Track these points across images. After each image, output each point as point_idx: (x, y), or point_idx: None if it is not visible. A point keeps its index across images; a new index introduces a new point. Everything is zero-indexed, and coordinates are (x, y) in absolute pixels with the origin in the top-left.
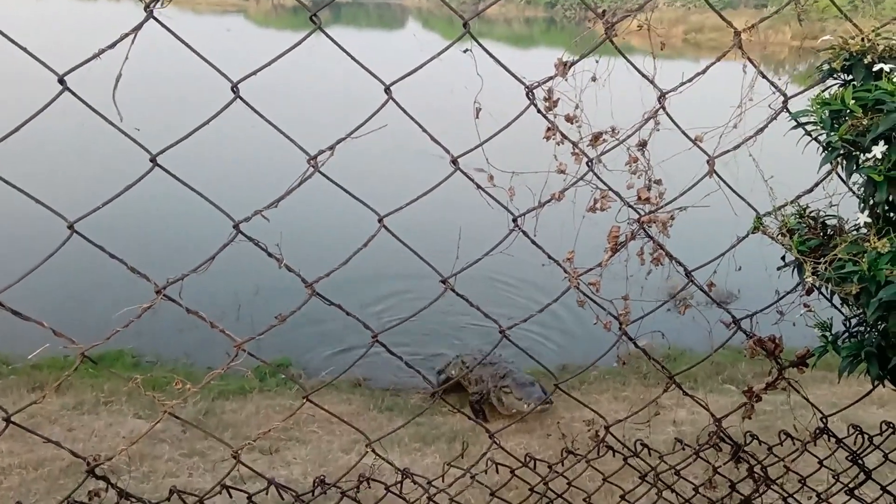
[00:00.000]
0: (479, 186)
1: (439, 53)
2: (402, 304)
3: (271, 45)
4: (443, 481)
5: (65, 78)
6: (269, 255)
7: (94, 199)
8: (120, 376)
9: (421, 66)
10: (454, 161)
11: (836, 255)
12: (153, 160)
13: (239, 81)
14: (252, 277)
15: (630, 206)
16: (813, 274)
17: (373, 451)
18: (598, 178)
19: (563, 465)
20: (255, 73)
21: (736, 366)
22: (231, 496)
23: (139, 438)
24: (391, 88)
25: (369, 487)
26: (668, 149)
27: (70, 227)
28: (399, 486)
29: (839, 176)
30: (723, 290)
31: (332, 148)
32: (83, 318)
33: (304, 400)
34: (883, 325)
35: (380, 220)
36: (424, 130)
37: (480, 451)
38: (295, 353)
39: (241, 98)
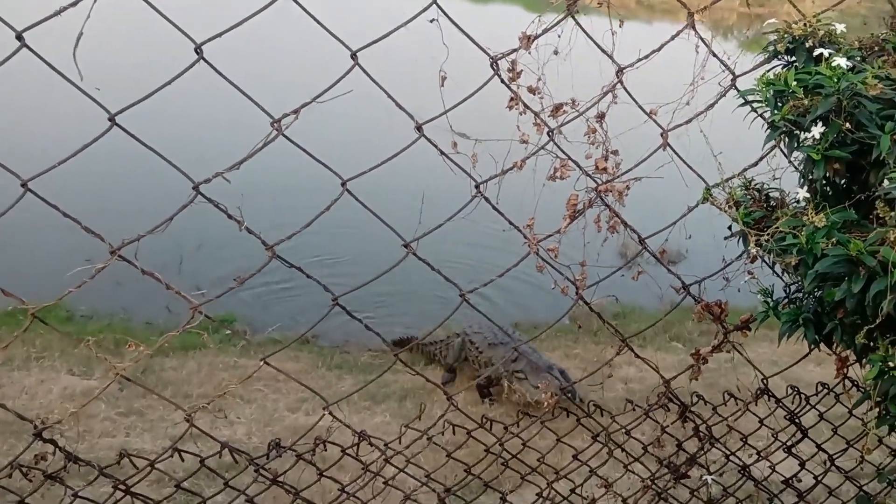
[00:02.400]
0: (442, 153)
1: (406, 23)
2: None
3: (240, 4)
4: (399, 443)
5: (23, 34)
6: (230, 216)
7: (51, 159)
8: (57, 331)
9: (387, 35)
10: (418, 127)
11: (777, 228)
12: (111, 119)
13: (203, 43)
14: (195, 232)
15: (588, 176)
16: (756, 245)
17: (331, 414)
18: (559, 147)
19: (518, 426)
20: (219, 35)
21: (683, 324)
22: (183, 459)
23: (88, 403)
24: (357, 55)
25: (325, 450)
26: (625, 122)
27: (24, 185)
28: (356, 448)
29: (783, 152)
30: (673, 252)
31: (296, 112)
32: (36, 277)
33: (262, 362)
34: (819, 294)
35: (343, 184)
36: (389, 96)
37: (436, 412)
38: (239, 309)
39: (205, 59)
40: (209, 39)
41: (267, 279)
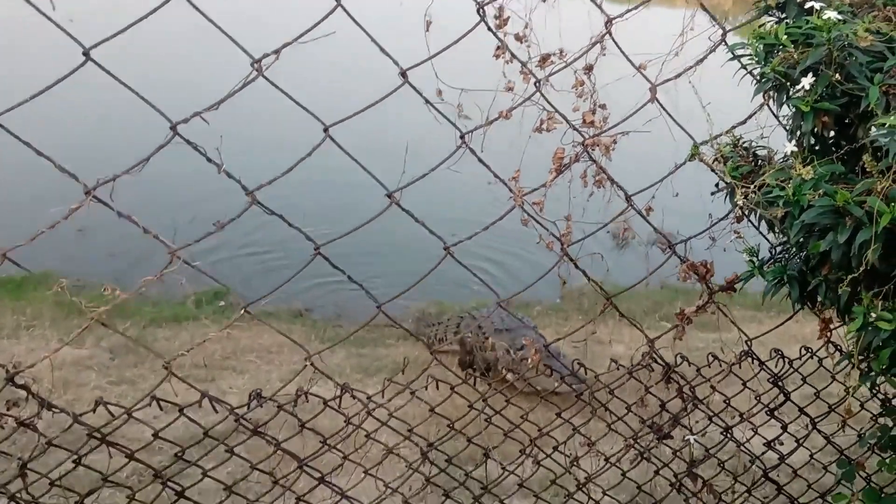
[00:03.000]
0: (427, 101)
1: None
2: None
3: None
4: (382, 396)
5: None
6: (209, 160)
7: (23, 95)
8: (43, 295)
9: None
10: (403, 73)
11: (764, 180)
12: (86, 54)
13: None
14: (189, 207)
15: (575, 129)
16: (744, 197)
17: (312, 364)
18: (545, 98)
19: (502, 382)
20: None
21: (673, 304)
22: (161, 408)
23: (62, 346)
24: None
25: (307, 402)
26: (613, 76)
27: None
28: (338, 400)
29: (770, 109)
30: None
31: (277, 52)
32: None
33: (243, 311)
34: (804, 249)
35: (325, 130)
36: (373, 40)
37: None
38: (233, 282)
39: None
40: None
41: (260, 252)
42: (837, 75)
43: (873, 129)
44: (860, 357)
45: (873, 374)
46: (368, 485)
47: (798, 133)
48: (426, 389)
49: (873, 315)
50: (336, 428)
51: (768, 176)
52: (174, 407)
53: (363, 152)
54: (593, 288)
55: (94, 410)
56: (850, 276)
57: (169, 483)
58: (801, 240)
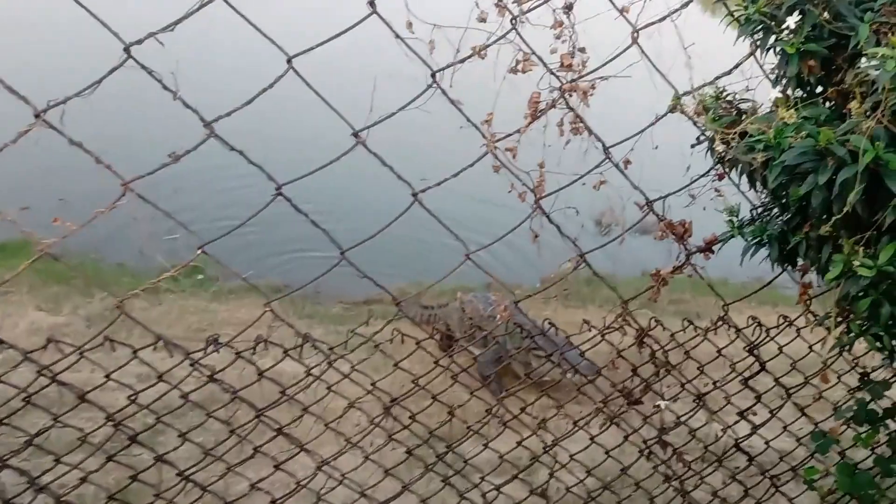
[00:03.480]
0: (397, 36)
1: None
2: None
3: None
4: (345, 348)
5: None
6: (164, 87)
7: None
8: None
9: None
10: (371, 2)
11: (745, 128)
12: None
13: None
14: (171, 178)
15: (552, 73)
16: (723, 144)
17: (271, 311)
18: (521, 38)
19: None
20: None
21: (667, 237)
22: (114, 349)
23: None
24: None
25: (266, 350)
26: (595, 19)
27: None
28: (299, 350)
29: (756, 60)
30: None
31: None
32: None
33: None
34: (785, 198)
35: (288, 61)
36: None
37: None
38: (211, 255)
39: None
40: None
41: (239, 227)
42: (825, 14)
43: (863, 60)
44: (838, 319)
45: (852, 334)
46: (328, 438)
47: (783, 79)
48: (391, 343)
49: (855, 262)
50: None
51: (749, 123)
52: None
53: (329, 89)
54: (566, 242)
55: (44, 348)
56: (834, 218)
57: (121, 426)
58: (782, 182)
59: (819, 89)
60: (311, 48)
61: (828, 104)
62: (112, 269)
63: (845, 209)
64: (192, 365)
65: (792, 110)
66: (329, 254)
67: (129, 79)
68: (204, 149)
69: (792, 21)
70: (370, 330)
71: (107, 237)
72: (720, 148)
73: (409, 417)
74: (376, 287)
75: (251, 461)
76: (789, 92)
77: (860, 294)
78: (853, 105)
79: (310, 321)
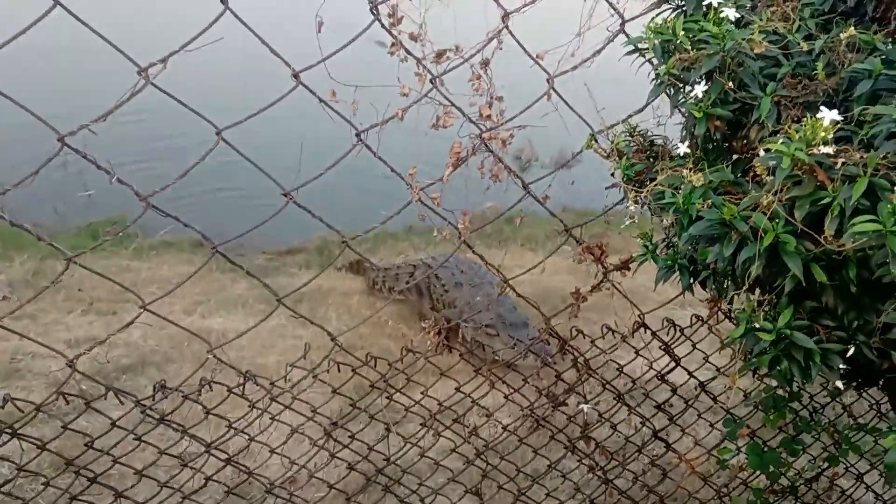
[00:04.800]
0: (321, 100)
1: None
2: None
3: None
4: (285, 381)
5: None
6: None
7: None
8: None
9: None
10: (295, 75)
11: (656, 184)
12: None
13: None
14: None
15: (472, 122)
16: (634, 202)
17: (215, 356)
18: (442, 94)
19: (402, 362)
20: None
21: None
22: (68, 402)
23: None
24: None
25: (211, 390)
26: (512, 68)
27: None
28: (241, 388)
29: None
30: (568, 157)
31: (163, 60)
32: None
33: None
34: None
35: (218, 133)
36: (263, 42)
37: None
38: (130, 211)
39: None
40: None
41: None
42: (731, 83)
43: (762, 151)
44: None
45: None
46: (275, 461)
47: (691, 135)
48: (328, 373)
49: (756, 325)
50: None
51: (661, 180)
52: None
53: (261, 155)
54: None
55: (2, 407)
56: (732, 293)
57: (81, 472)
58: (690, 248)
59: (727, 144)
60: (240, 121)
61: (734, 156)
62: (24, 236)
63: (746, 286)
64: (142, 412)
65: (699, 174)
66: (260, 202)
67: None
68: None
69: (699, 90)
70: (293, 284)
71: (17, 198)
72: (632, 208)
73: (350, 437)
74: (298, 236)
75: (204, 489)
76: (698, 144)
77: (762, 352)
78: (758, 165)
79: (233, 275)
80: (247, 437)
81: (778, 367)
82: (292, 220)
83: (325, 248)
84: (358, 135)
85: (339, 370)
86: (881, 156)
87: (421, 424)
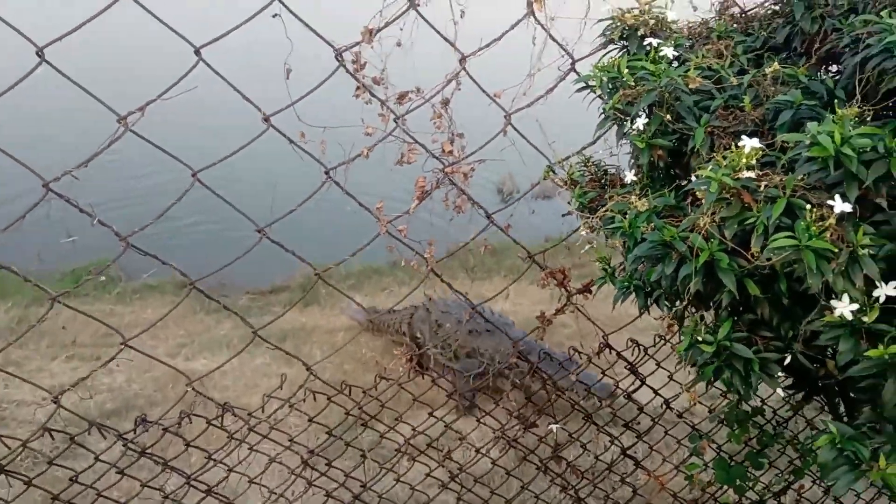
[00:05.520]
0: (291, 141)
1: (248, 19)
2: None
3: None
4: (262, 412)
5: None
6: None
7: None
8: None
9: (230, 31)
10: (266, 119)
11: (606, 210)
12: None
13: (44, 46)
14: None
15: (435, 157)
16: (587, 227)
17: (194, 389)
18: (405, 132)
19: (376, 389)
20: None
21: (556, 258)
22: (53, 438)
23: None
24: (201, 51)
25: (190, 423)
26: (470, 105)
27: None
28: (220, 419)
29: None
30: (548, 187)
31: (142, 109)
32: None
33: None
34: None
35: (193, 175)
36: (235, 89)
37: (315, 353)
38: (113, 255)
39: (48, 62)
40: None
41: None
42: (668, 116)
43: (694, 177)
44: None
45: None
46: (254, 492)
47: (637, 163)
48: (304, 402)
49: (699, 338)
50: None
51: (609, 207)
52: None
53: (235, 195)
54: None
55: None
56: (674, 308)
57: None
58: (637, 268)
59: (671, 170)
60: (214, 164)
61: (678, 183)
62: (11, 278)
63: (686, 301)
64: (124, 445)
65: (644, 200)
66: (240, 233)
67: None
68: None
69: (640, 123)
70: (277, 323)
71: (2, 246)
72: (584, 233)
73: (326, 464)
74: (281, 275)
75: None
76: (644, 172)
77: (706, 363)
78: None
79: (218, 315)
80: (226, 467)
81: (721, 378)
82: (274, 259)
83: (308, 286)
84: (327, 172)
85: (314, 399)
86: (798, 178)
87: (396, 450)
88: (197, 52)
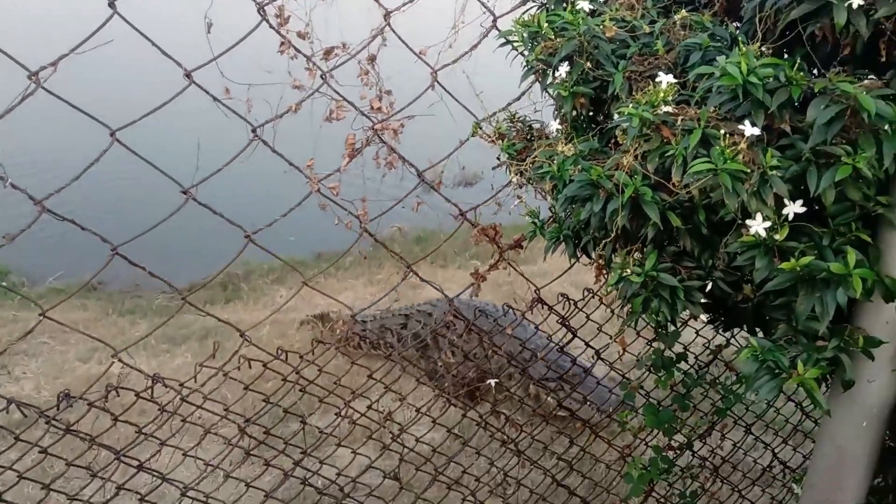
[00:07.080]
0: (215, 99)
1: None
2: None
3: None
4: (195, 381)
5: None
6: None
7: None
8: None
9: None
10: (187, 75)
11: (534, 157)
12: None
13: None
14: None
15: (364, 115)
16: (517, 173)
17: (119, 360)
18: (333, 89)
19: (313, 353)
20: None
21: (482, 243)
22: None
23: None
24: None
25: (118, 396)
26: (397, 64)
27: None
28: (150, 391)
29: (541, 91)
30: (469, 175)
31: (54, 63)
32: None
33: (41, 317)
34: (571, 214)
35: (112, 134)
36: (154, 44)
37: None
38: (14, 260)
39: None
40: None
41: (43, 227)
42: (588, 63)
43: (616, 115)
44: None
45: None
46: (189, 464)
47: (561, 112)
48: (238, 370)
49: (627, 271)
50: (153, 408)
51: (538, 153)
52: None
53: (157, 153)
54: (393, 256)
55: None
56: (604, 241)
57: None
58: (568, 209)
59: (592, 117)
60: (134, 121)
61: (600, 129)
62: None
63: (615, 230)
64: (47, 423)
65: (570, 145)
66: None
67: None
68: None
69: (563, 71)
70: (197, 322)
71: None
72: (514, 179)
73: (264, 433)
74: (198, 274)
75: (116, 498)
76: (568, 120)
77: (634, 294)
78: (618, 134)
79: (132, 316)
80: (158, 441)
81: (650, 308)
82: (191, 257)
83: (228, 284)
84: (254, 130)
85: (250, 366)
86: (711, 109)
87: (336, 414)
88: (111, 5)
